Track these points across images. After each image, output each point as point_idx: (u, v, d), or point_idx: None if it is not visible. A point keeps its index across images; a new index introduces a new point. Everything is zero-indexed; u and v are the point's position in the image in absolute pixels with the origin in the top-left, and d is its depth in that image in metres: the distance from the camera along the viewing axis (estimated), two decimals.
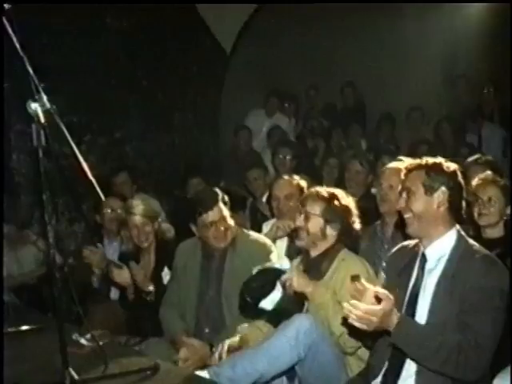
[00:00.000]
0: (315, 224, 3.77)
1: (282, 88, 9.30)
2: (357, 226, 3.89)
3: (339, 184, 5.82)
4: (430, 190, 3.10)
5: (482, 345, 2.84)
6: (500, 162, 6.37)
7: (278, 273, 3.79)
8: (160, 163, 7.64)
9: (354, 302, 2.75)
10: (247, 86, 8.97)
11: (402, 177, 3.25)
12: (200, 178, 6.63)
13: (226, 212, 4.17)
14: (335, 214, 3.77)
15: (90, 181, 2.92)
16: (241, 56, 8.93)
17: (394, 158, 5.16)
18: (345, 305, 2.77)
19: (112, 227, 5.50)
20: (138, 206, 4.74)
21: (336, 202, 3.80)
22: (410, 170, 3.21)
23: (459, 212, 3.17)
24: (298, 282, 3.60)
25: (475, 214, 4.14)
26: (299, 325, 3.42)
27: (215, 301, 4.17)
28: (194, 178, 6.62)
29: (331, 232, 3.79)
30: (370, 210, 4.74)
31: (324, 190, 3.89)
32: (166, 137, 7.76)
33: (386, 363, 3.12)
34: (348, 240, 3.84)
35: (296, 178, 5.14)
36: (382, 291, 2.80)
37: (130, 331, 4.55)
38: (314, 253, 3.83)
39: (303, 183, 5.06)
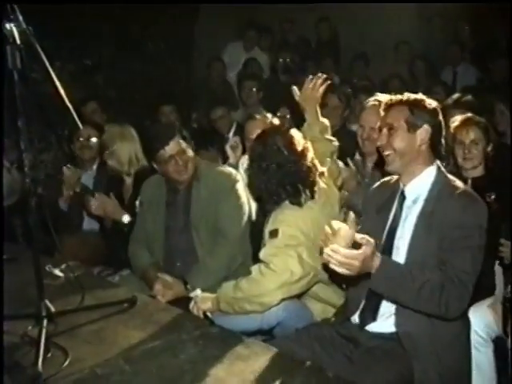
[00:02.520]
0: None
1: (258, 20, 9.14)
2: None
3: None
4: (413, 127, 3.05)
5: (463, 282, 2.83)
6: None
7: None
8: (131, 92, 7.48)
9: (334, 246, 2.66)
10: (222, 17, 8.80)
11: (382, 112, 3.18)
12: (172, 105, 6.53)
13: (185, 145, 4.06)
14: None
15: (67, 107, 2.80)
16: None
17: (370, 94, 5.11)
18: (325, 250, 2.69)
19: (85, 156, 5.38)
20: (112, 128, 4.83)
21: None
22: (390, 106, 3.14)
23: (439, 149, 3.13)
24: None
25: (459, 159, 4.13)
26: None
27: (184, 234, 4.11)
28: (166, 105, 6.52)
29: None
30: (348, 144, 4.72)
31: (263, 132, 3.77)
32: (137, 65, 7.57)
33: (363, 300, 3.12)
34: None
35: (268, 116, 5.02)
36: (361, 237, 2.69)
37: (102, 262, 4.51)
38: None
39: (275, 121, 4.96)
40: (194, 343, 2.81)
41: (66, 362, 2.58)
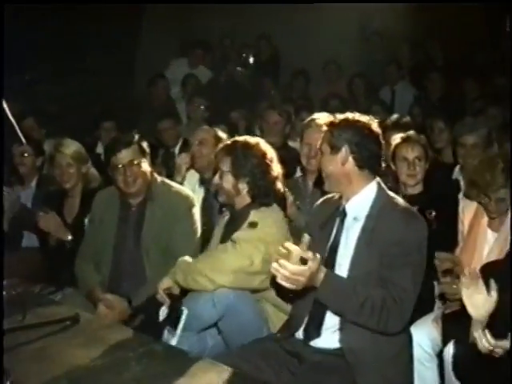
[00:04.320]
0: (227, 181, 3.67)
1: (198, 36, 9.17)
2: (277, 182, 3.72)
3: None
4: (334, 149, 3.10)
5: (403, 299, 2.91)
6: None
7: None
8: (71, 107, 7.38)
9: (282, 261, 2.71)
10: (165, 33, 8.80)
11: (321, 134, 3.24)
12: (113, 122, 6.50)
13: (140, 158, 4.02)
14: (243, 167, 3.62)
15: (11, 123, 2.77)
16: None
17: (311, 112, 5.19)
18: (273, 265, 2.74)
19: (22, 173, 5.28)
20: (70, 146, 4.64)
21: (246, 153, 3.63)
22: (322, 129, 3.21)
23: (374, 166, 3.16)
24: None
25: (402, 175, 4.22)
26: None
27: (134, 253, 4.05)
28: (106, 121, 6.48)
29: (243, 187, 3.65)
30: (289, 161, 4.75)
31: (233, 141, 3.74)
32: (78, 80, 7.48)
33: (307, 316, 3.15)
34: (265, 197, 3.66)
35: (216, 129, 5.10)
36: (307, 254, 2.74)
37: (44, 280, 4.42)
38: (237, 207, 3.75)
39: (222, 134, 4.99)
40: (138, 361, 2.78)
41: (8, 382, 2.52)
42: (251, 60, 9.17)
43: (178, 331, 3.37)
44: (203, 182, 5.01)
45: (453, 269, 3.64)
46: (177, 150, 6.22)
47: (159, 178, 4.22)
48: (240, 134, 4.42)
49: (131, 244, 4.07)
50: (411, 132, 4.43)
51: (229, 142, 3.77)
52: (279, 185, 3.71)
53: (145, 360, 2.80)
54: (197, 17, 9.33)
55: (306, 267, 2.72)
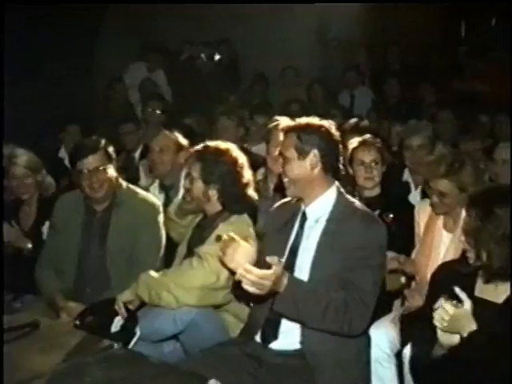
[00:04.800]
0: (197, 187, 3.65)
1: (158, 40, 9.17)
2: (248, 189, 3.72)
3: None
4: (302, 154, 3.09)
5: (364, 301, 2.94)
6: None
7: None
8: (29, 112, 7.29)
9: (247, 267, 2.72)
10: (123, 37, 8.76)
11: (281, 139, 3.25)
12: (77, 126, 6.50)
13: (106, 164, 3.98)
14: (214, 173, 3.60)
15: None
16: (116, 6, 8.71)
17: (267, 116, 5.23)
18: (238, 271, 2.75)
19: None
20: (22, 156, 4.57)
21: (216, 159, 3.61)
22: (285, 133, 3.20)
23: (336, 170, 3.19)
24: None
25: (360, 179, 4.27)
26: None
27: (98, 260, 4.01)
28: (70, 125, 6.46)
29: (213, 193, 3.64)
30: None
31: (204, 147, 3.71)
32: (35, 85, 7.39)
33: (264, 319, 3.16)
34: (236, 205, 3.67)
35: (177, 134, 5.09)
36: (271, 258, 2.77)
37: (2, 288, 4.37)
38: (208, 214, 3.74)
39: (183, 141, 5.00)
40: (99, 365, 2.75)
41: None
42: (211, 63, 9.19)
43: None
44: (163, 188, 5.01)
45: (398, 268, 3.72)
46: (137, 154, 6.21)
47: (125, 184, 4.18)
48: (197, 139, 4.43)
49: (96, 250, 4.02)
50: (368, 136, 4.50)
51: (200, 147, 3.73)
52: (250, 191, 3.70)
53: (105, 364, 2.78)
54: (157, 20, 9.28)
55: (271, 271, 2.74)
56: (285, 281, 2.83)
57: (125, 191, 4.11)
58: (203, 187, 3.61)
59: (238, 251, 2.83)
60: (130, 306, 3.54)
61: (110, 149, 4.08)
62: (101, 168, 3.95)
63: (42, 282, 4.10)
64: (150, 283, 3.47)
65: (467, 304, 2.60)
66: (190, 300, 3.40)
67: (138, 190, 4.25)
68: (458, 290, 2.59)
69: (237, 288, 3.04)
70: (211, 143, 3.73)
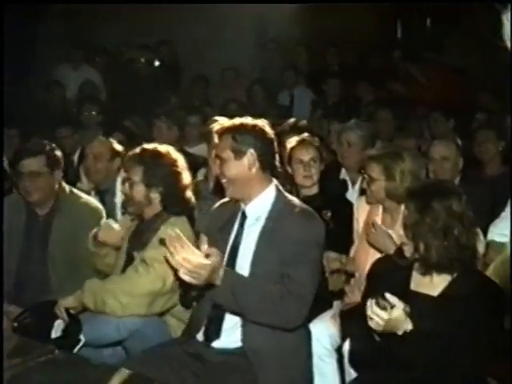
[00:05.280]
0: (138, 191, 3.62)
1: (97, 41, 9.10)
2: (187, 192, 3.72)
3: None
4: (238, 155, 3.11)
5: (302, 294, 2.98)
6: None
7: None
8: None
9: (185, 256, 2.75)
10: (60, 37, 8.68)
11: (216, 141, 3.26)
12: (16, 129, 6.41)
13: (46, 168, 3.95)
14: (156, 176, 3.59)
15: None
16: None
17: (204, 117, 5.26)
18: (176, 258, 2.75)
19: None
20: None
21: (157, 161, 3.60)
22: (220, 135, 3.20)
23: (273, 168, 3.23)
24: None
25: (299, 177, 4.30)
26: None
27: (39, 264, 3.99)
28: (9, 129, 6.34)
29: (155, 196, 3.62)
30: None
31: (143, 150, 3.69)
32: None
33: (207, 318, 3.18)
34: (176, 206, 3.67)
35: (112, 140, 5.08)
36: (210, 249, 2.81)
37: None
38: (145, 217, 3.72)
39: (118, 147, 4.99)
40: (41, 370, 2.75)
41: None
42: (153, 64, 9.16)
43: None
44: (98, 193, 4.96)
45: (341, 269, 3.79)
46: (75, 157, 6.15)
47: (68, 188, 4.16)
48: (137, 142, 4.41)
49: (37, 254, 4.00)
50: (306, 134, 4.55)
51: (137, 150, 3.70)
52: (189, 193, 3.71)
53: (48, 369, 2.77)
54: (97, 22, 9.21)
55: (208, 261, 2.77)
56: (221, 272, 2.86)
57: (67, 195, 4.09)
58: (145, 191, 3.59)
59: (183, 248, 2.81)
60: (72, 311, 3.50)
61: (57, 153, 4.04)
62: (39, 171, 3.91)
63: None
64: (95, 290, 3.43)
65: (399, 308, 2.61)
66: (138, 308, 3.39)
67: (81, 195, 4.23)
68: (388, 295, 2.61)
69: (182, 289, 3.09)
70: (149, 146, 3.71)
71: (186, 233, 3.40)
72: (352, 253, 4.07)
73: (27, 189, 3.91)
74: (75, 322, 3.45)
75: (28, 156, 3.92)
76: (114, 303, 3.37)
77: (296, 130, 5.16)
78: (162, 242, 3.27)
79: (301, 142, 4.38)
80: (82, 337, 3.39)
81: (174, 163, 3.63)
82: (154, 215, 3.65)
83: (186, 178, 3.69)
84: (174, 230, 2.85)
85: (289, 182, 4.24)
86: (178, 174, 3.63)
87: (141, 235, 3.67)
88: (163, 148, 3.69)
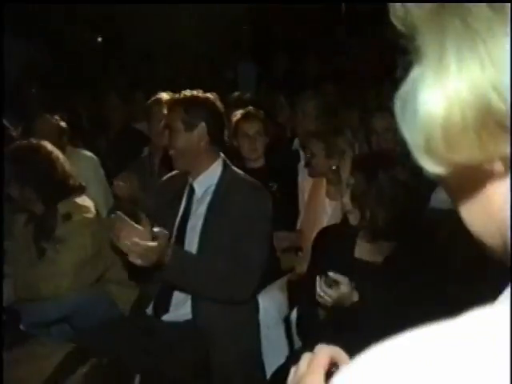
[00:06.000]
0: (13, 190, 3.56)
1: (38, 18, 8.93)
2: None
3: None
4: (189, 127, 3.11)
5: (250, 269, 3.01)
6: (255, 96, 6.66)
7: None
8: None
9: (135, 240, 2.73)
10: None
11: (165, 112, 3.26)
12: None
13: None
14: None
15: None
16: None
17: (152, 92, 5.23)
18: (125, 242, 2.74)
19: None
20: None
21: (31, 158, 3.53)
22: (170, 107, 3.21)
23: (221, 142, 3.25)
24: None
25: (245, 150, 4.33)
26: None
27: None
28: None
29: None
30: (133, 144, 4.80)
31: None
32: None
33: (156, 292, 3.20)
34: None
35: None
36: (157, 229, 2.81)
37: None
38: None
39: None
40: None
41: None
42: (96, 43, 9.06)
43: None
44: None
45: (291, 246, 3.83)
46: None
47: None
48: (83, 122, 4.37)
49: None
50: (250, 108, 4.55)
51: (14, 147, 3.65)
52: (72, 180, 3.61)
53: None
54: None
55: (155, 243, 2.77)
56: (169, 252, 2.87)
57: None
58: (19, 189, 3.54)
59: (127, 230, 2.79)
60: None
61: None
62: None
63: None
64: (25, 280, 3.42)
65: (344, 285, 2.64)
66: (69, 284, 3.38)
67: None
68: (331, 273, 2.64)
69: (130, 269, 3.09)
70: (23, 142, 3.66)
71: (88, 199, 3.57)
72: (298, 225, 4.12)
73: None
74: (13, 313, 3.41)
75: None
76: (46, 286, 3.35)
77: (241, 103, 5.18)
78: (66, 216, 3.28)
79: (245, 116, 4.39)
80: (21, 327, 3.37)
81: (48, 156, 3.56)
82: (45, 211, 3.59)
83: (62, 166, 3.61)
84: (118, 213, 2.85)
85: (235, 156, 4.25)
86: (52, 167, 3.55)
87: (41, 226, 3.61)
88: (36, 143, 3.62)
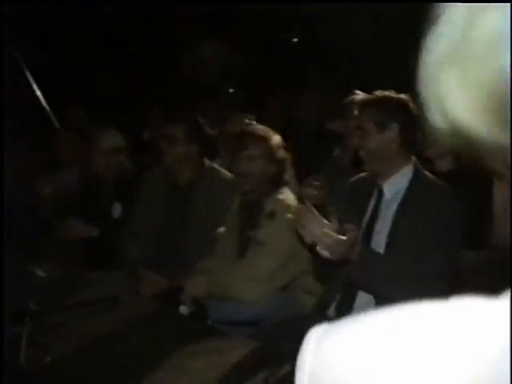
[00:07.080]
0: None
1: None
2: None
3: None
4: (381, 128, 3.07)
5: (440, 275, 2.88)
6: None
7: None
8: None
9: (326, 231, 2.73)
10: None
11: (356, 112, 3.23)
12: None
13: (183, 136, 4.07)
14: None
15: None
16: None
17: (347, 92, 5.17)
18: (315, 232, 2.74)
19: None
20: (110, 135, 4.72)
21: None
22: (362, 107, 3.18)
23: (414, 145, 3.17)
24: None
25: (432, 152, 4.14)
26: None
27: (180, 234, 4.08)
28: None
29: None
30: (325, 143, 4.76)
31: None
32: None
33: (339, 295, 3.18)
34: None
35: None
36: (348, 225, 2.78)
37: (87, 262, 4.49)
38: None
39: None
40: (174, 338, 2.80)
41: (48, 359, 2.58)
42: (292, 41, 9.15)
43: None
44: None
45: None
46: None
47: (208, 162, 4.25)
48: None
49: (179, 224, 4.11)
50: None
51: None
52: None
53: (179, 337, 2.80)
54: None
55: (346, 237, 2.74)
56: (358, 248, 2.82)
57: (207, 169, 4.18)
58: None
59: (312, 218, 2.81)
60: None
61: (199, 125, 4.21)
62: (177, 137, 4.06)
63: (126, 250, 4.18)
64: (220, 279, 3.50)
65: None
66: (264, 289, 3.43)
67: (221, 169, 4.29)
68: None
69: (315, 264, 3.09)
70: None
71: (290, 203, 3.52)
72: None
73: (162, 151, 4.03)
74: (201, 308, 3.50)
75: (169, 122, 4.06)
76: (241, 290, 3.42)
77: None
78: (271, 215, 3.29)
79: None
80: (209, 321, 3.44)
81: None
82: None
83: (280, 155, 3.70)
84: (307, 203, 2.86)
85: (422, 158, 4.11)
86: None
87: (250, 214, 3.70)
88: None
